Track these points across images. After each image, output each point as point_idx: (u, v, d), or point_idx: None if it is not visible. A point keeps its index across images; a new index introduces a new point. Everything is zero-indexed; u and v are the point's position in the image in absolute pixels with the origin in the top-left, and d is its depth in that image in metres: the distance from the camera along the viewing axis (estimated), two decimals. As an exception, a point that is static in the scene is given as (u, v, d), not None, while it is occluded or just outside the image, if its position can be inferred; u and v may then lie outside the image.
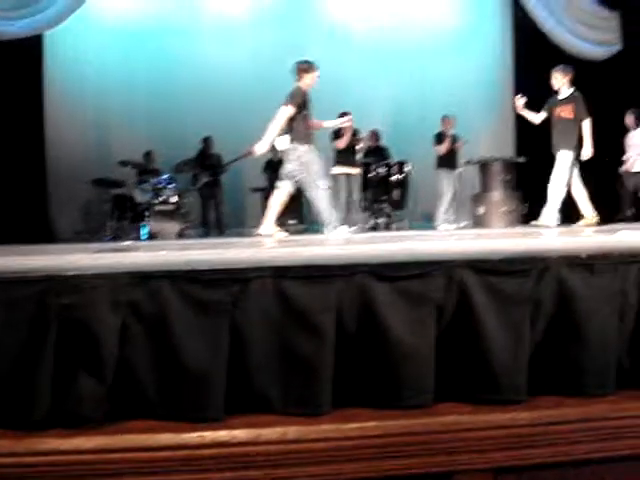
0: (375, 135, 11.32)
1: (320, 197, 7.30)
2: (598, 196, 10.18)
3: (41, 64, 11.14)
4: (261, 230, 7.34)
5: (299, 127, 7.53)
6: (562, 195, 8.17)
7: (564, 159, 8.14)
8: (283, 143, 7.71)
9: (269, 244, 4.63)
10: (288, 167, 7.47)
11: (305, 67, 7.64)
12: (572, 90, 8.41)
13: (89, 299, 2.54)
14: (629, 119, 10.17)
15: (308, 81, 7.67)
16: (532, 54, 11.87)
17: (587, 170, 9.56)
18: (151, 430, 2.54)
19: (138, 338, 2.59)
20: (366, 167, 10.56)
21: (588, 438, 2.70)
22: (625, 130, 10.31)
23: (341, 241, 5.08)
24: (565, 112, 8.34)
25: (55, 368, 2.53)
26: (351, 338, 2.68)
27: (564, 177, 8.13)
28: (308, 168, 7.32)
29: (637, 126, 10.10)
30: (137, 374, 2.59)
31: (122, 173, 10.50)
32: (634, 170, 10.05)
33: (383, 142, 11.41)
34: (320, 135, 10.75)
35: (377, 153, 11.07)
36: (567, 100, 8.39)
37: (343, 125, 8.97)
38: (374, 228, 10.35)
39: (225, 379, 2.60)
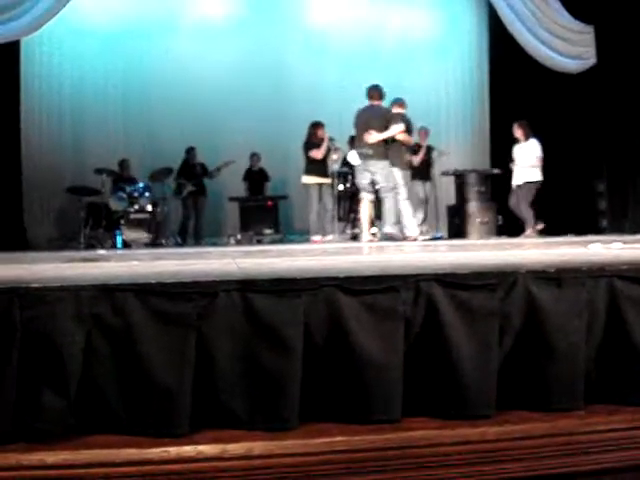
0: (354, 141, 11.32)
1: (403, 207, 8.50)
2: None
3: (18, 70, 11.05)
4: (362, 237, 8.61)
5: (380, 144, 8.44)
6: (409, 208, 8.63)
7: (398, 176, 8.63)
8: (354, 159, 8.41)
9: (240, 256, 4.60)
10: (366, 180, 8.53)
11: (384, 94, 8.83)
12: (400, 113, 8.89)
13: (53, 312, 2.51)
14: (518, 132, 10.02)
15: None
16: (508, 65, 11.97)
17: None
18: (115, 445, 2.49)
19: (102, 351, 2.55)
20: (342, 177, 10.56)
21: (556, 453, 2.69)
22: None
23: (319, 252, 5.08)
24: None
25: (18, 381, 2.49)
26: (319, 352, 2.66)
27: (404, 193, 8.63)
28: (388, 180, 8.38)
29: (527, 138, 9.96)
30: (101, 388, 2.55)
31: (97, 181, 10.43)
32: (517, 183, 9.93)
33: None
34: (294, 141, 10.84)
35: None
36: None
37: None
38: (354, 238, 10.36)
39: (191, 393, 2.56)
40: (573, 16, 11.15)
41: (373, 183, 8.57)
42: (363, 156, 8.48)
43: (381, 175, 8.47)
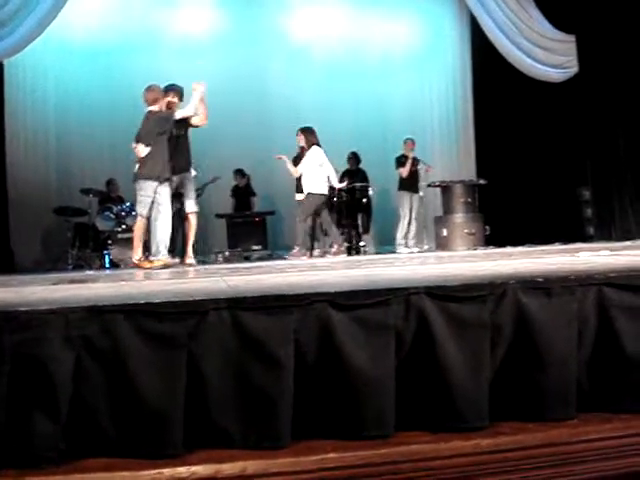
0: (355, 157, 11.38)
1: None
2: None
3: (2, 90, 10.98)
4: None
5: None
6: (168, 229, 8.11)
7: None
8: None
9: (229, 273, 4.60)
10: None
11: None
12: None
13: (42, 335, 2.48)
14: (301, 139, 9.53)
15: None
16: (491, 75, 12.04)
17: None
18: (108, 468, 2.47)
19: (93, 374, 2.53)
20: (330, 191, 10.58)
21: (550, 463, 2.69)
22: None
23: (308, 267, 5.07)
24: None
25: (8, 406, 2.46)
26: (310, 369, 2.65)
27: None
28: None
29: (309, 146, 9.40)
30: (92, 411, 2.53)
31: (84, 201, 10.40)
32: (314, 192, 9.36)
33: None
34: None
35: (357, 176, 11.11)
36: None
37: None
38: (347, 252, 10.34)
39: (183, 414, 2.54)
40: (554, 26, 11.22)
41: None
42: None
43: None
